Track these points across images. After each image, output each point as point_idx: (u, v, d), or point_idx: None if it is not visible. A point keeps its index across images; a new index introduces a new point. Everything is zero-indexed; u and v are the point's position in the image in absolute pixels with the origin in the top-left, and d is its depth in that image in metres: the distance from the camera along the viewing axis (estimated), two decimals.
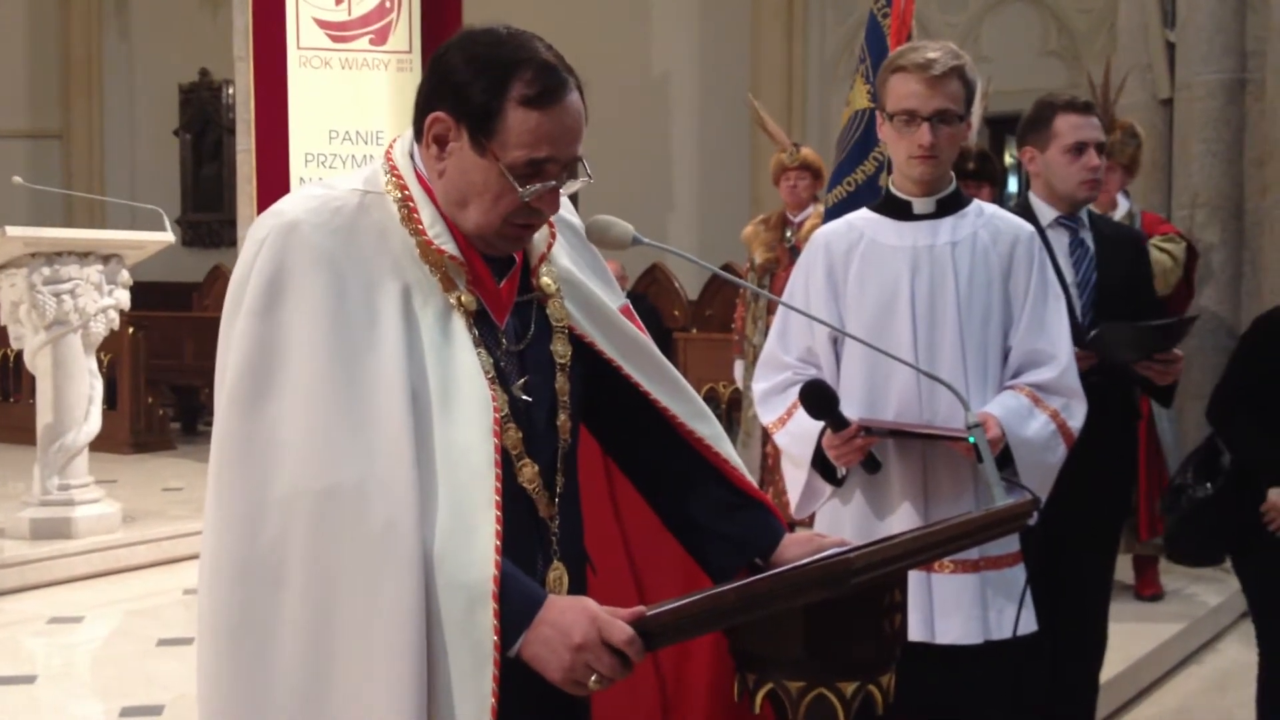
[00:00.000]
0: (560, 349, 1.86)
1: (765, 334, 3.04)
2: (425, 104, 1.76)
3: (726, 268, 8.85)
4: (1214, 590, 5.77)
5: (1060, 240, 3.44)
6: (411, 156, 1.81)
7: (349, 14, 6.38)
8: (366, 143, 6.36)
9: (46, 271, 6.00)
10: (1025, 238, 2.86)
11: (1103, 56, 7.85)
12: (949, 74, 2.72)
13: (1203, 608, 5.50)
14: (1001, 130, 10.12)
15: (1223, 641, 5.52)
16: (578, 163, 1.76)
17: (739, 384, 6.65)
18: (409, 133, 1.83)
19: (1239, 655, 5.35)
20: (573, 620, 1.63)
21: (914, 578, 2.67)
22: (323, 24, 6.34)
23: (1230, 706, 4.74)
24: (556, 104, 1.70)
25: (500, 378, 1.78)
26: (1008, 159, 10.12)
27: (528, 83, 1.69)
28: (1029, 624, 2.76)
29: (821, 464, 2.79)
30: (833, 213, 4.95)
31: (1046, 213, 3.46)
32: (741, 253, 6.84)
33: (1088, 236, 3.47)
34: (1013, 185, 10.14)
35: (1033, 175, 3.54)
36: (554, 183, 1.74)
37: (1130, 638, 4.86)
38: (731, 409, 7.97)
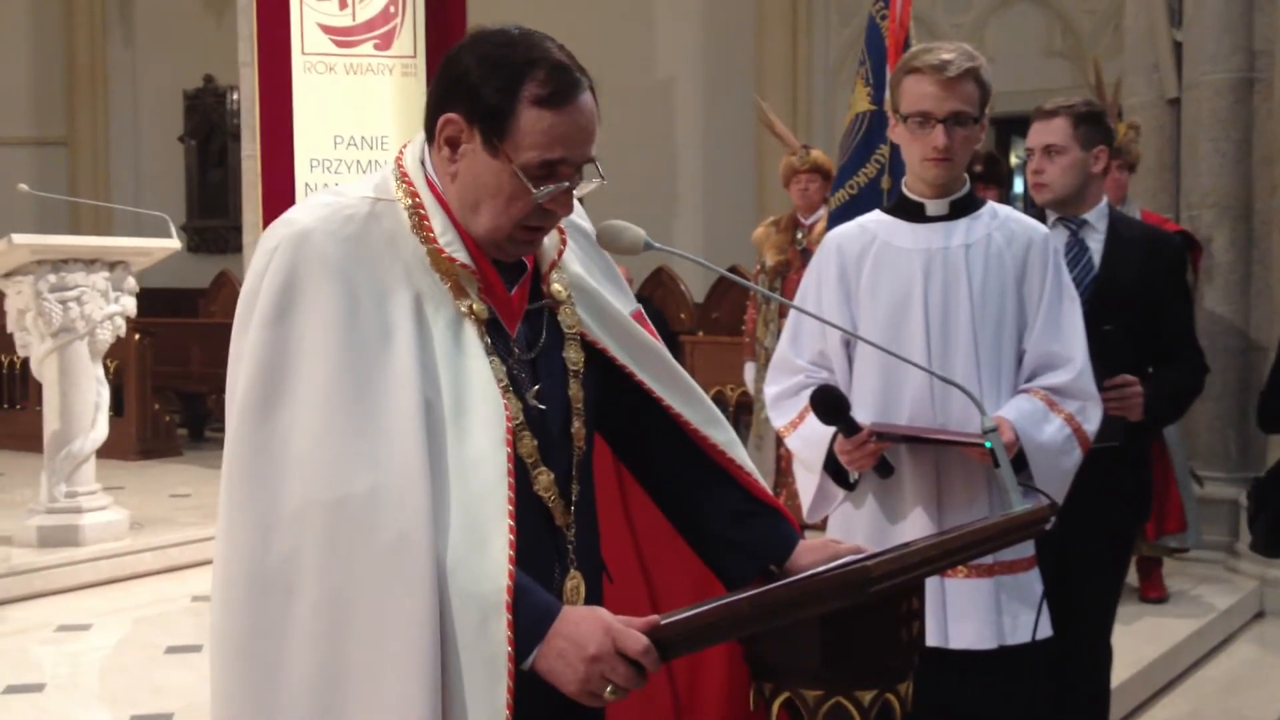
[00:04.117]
0: (573, 356, 1.84)
1: (777, 337, 3.02)
2: (437, 106, 1.74)
3: (733, 270, 8.84)
4: (1224, 592, 5.75)
5: (1058, 239, 3.42)
6: (423, 163, 1.79)
7: (353, 19, 6.36)
8: (371, 148, 6.35)
9: (53, 279, 5.99)
10: (1039, 240, 2.83)
11: (1108, 56, 7.82)
12: (964, 75, 2.69)
13: (1213, 610, 5.48)
14: (1007, 131, 10.11)
15: (1234, 644, 5.49)
16: (591, 163, 1.74)
17: (749, 387, 6.63)
18: (420, 138, 1.81)
19: (1250, 657, 5.34)
20: (587, 631, 1.61)
21: (928, 583, 2.65)
22: (327, 29, 6.33)
23: (1242, 708, 4.71)
24: (569, 104, 1.69)
25: (514, 386, 1.76)
26: (1014, 160, 10.09)
27: (541, 83, 1.67)
28: (1045, 629, 2.74)
29: (834, 468, 2.77)
30: (837, 215, 4.95)
31: (1050, 212, 3.46)
32: (748, 255, 6.82)
33: (1093, 237, 3.44)
34: (1019, 186, 10.12)
35: None
36: (567, 184, 1.72)
37: (1141, 641, 4.84)
38: (740, 412, 7.96)
